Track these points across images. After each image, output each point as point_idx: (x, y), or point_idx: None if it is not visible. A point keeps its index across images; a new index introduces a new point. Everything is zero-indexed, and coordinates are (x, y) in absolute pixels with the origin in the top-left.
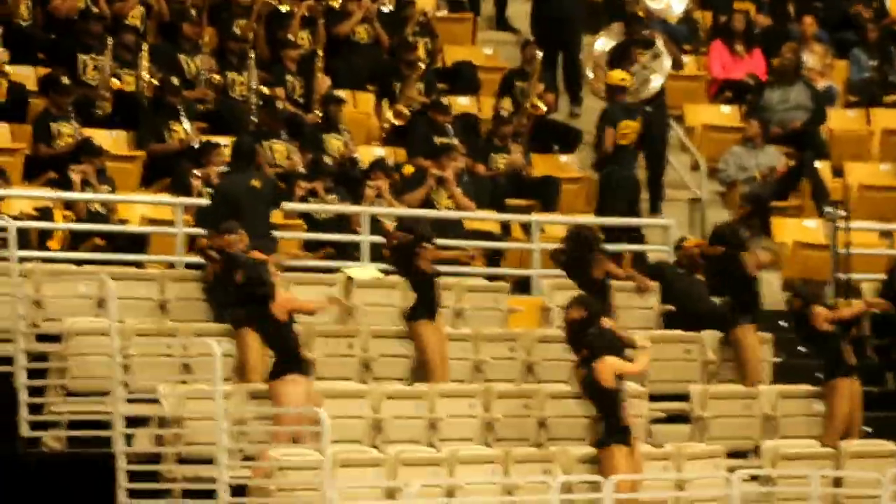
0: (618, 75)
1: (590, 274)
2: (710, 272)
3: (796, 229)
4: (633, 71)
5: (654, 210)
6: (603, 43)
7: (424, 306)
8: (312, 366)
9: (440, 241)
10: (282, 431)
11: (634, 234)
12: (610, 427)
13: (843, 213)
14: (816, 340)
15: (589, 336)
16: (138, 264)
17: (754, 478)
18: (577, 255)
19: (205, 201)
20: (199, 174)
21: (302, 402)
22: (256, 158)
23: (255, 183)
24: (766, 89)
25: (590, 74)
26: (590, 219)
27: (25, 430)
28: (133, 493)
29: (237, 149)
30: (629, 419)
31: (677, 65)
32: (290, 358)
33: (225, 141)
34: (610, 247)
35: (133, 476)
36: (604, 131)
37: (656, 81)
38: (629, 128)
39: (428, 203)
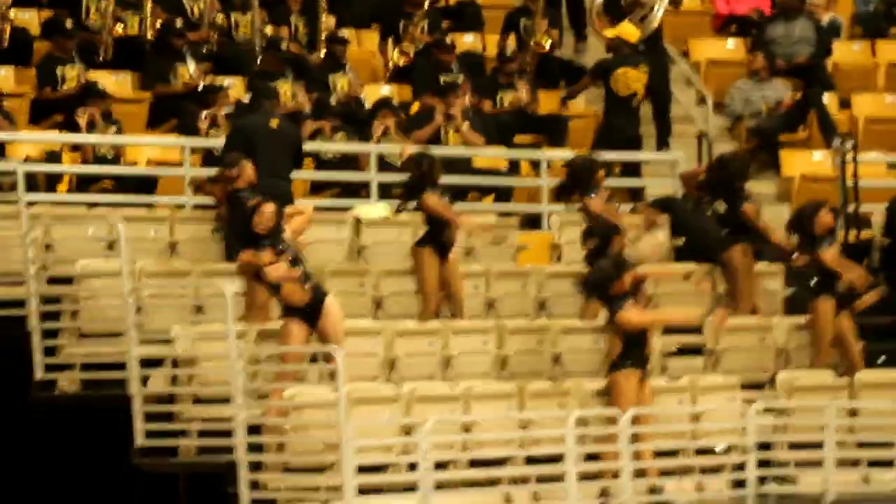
0: (630, 30)
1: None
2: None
3: (804, 162)
4: (634, 17)
5: (661, 144)
6: None
7: (429, 236)
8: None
9: (449, 180)
10: (292, 370)
11: (635, 173)
12: (627, 352)
13: (850, 145)
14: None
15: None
16: (147, 206)
17: (769, 409)
18: (577, 183)
19: (211, 141)
20: (206, 115)
21: (302, 340)
22: (274, 98)
23: (273, 123)
24: (770, 23)
25: (592, 12)
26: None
27: (40, 373)
28: (149, 434)
29: (255, 88)
30: (650, 350)
31: (676, 1)
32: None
33: (230, 82)
34: (613, 182)
35: (149, 417)
36: (583, 78)
37: (657, 15)
38: (628, 76)
39: (436, 141)
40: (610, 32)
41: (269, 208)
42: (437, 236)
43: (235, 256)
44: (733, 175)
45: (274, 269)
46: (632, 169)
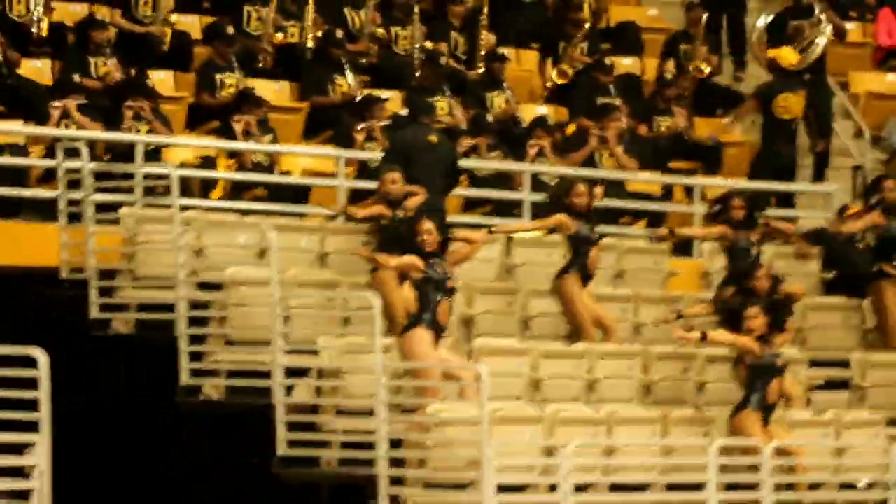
0: (788, 57)
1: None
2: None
3: None
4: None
5: (819, 177)
6: (764, 15)
7: (572, 263)
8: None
9: (603, 203)
10: (438, 387)
11: (789, 204)
12: (746, 397)
13: None
14: None
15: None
16: (300, 215)
17: None
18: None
19: (366, 154)
20: (362, 127)
21: (431, 354)
22: (432, 113)
23: (433, 138)
24: None
25: (753, 39)
26: (753, 184)
27: (185, 378)
28: (291, 444)
29: (411, 102)
30: (773, 397)
31: (841, 33)
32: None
33: (387, 95)
34: (771, 212)
35: (291, 427)
36: (749, 101)
37: (817, 49)
38: (789, 101)
39: (590, 163)
40: (770, 52)
41: (428, 225)
42: (580, 262)
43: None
44: None
45: (398, 259)
46: (786, 199)
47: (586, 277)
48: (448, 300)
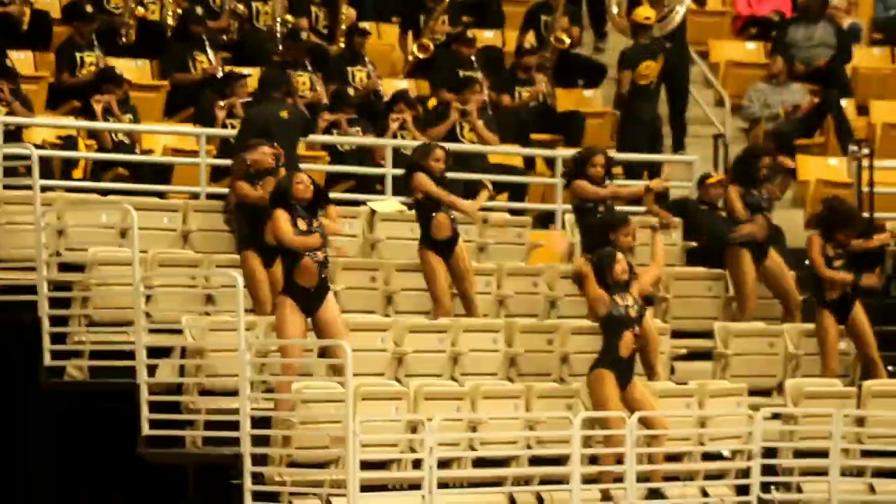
0: (643, 12)
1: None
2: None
3: (820, 167)
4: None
5: (678, 146)
6: None
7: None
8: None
9: (464, 176)
10: (296, 363)
11: (655, 172)
12: (603, 354)
13: (867, 151)
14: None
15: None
16: (161, 195)
17: (776, 416)
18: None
19: (227, 131)
20: (223, 104)
21: (301, 330)
22: (285, 88)
23: (284, 113)
24: (790, 26)
25: (613, 9)
26: (612, 154)
27: (48, 360)
28: (155, 424)
29: (265, 78)
30: (626, 351)
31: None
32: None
33: (249, 71)
34: (632, 183)
35: (155, 407)
36: (621, 74)
37: (677, 17)
38: (649, 68)
39: (451, 136)
40: (624, 21)
41: (304, 177)
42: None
43: (245, 247)
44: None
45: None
46: (652, 168)
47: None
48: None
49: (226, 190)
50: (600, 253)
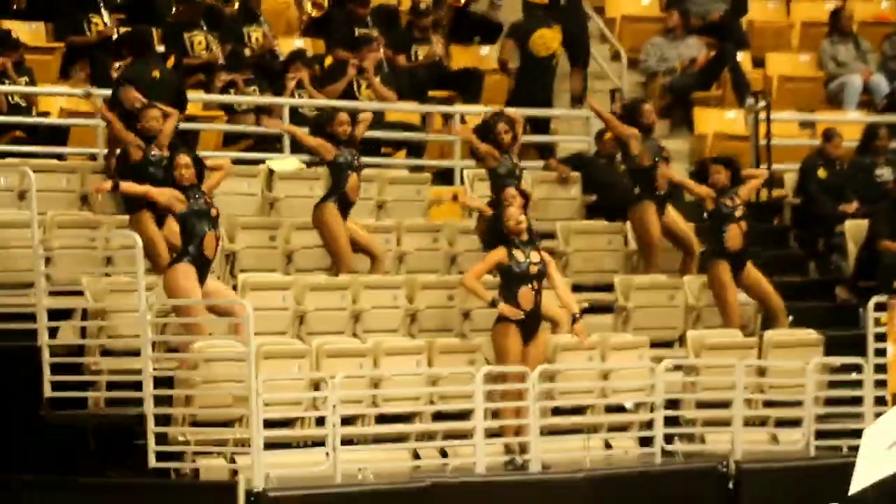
0: None
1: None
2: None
3: (717, 120)
4: None
5: (576, 101)
6: None
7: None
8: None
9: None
10: (202, 324)
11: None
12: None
13: (763, 103)
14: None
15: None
16: (59, 157)
17: (678, 368)
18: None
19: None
20: (119, 66)
21: (197, 293)
22: (148, 47)
23: (155, 73)
24: None
25: None
26: (509, 109)
27: None
28: (57, 386)
29: (133, 37)
30: (526, 305)
31: None
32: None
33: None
34: (529, 138)
35: (57, 369)
36: (503, 42)
37: None
38: (545, 37)
39: (349, 94)
40: None
41: (184, 159)
42: (340, 190)
43: (136, 209)
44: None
45: (159, 192)
46: (542, 126)
47: (347, 205)
48: (214, 232)
49: None
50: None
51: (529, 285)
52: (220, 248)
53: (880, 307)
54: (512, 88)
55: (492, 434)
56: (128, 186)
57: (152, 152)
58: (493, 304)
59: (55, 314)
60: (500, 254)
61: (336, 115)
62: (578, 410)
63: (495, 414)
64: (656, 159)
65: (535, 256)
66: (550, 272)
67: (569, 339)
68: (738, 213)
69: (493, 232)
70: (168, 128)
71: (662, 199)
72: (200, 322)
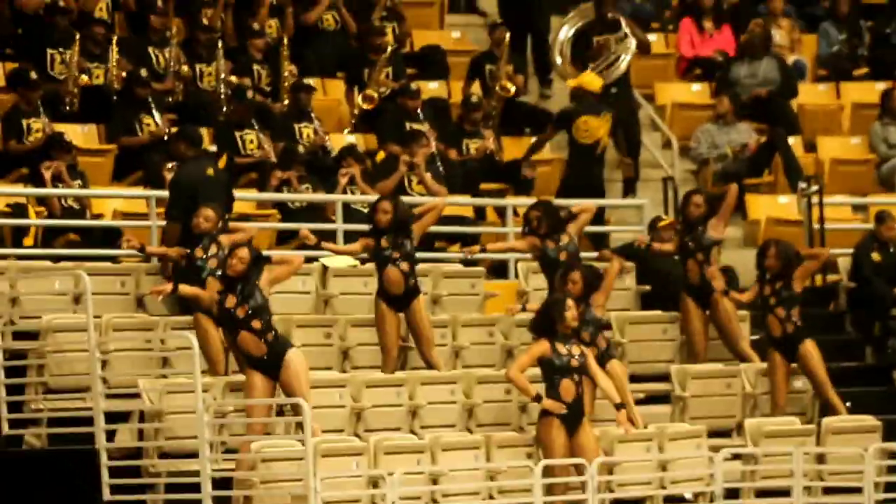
0: (590, 80)
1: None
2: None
3: (770, 206)
4: (600, 63)
5: (629, 190)
6: (566, 30)
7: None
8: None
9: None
10: (259, 423)
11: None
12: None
13: (816, 188)
14: None
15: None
16: (113, 259)
17: (737, 456)
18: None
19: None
20: (171, 166)
21: (265, 392)
22: (198, 146)
23: (209, 171)
24: (733, 64)
25: (557, 60)
26: (559, 201)
27: (6, 429)
28: (116, 489)
29: (188, 136)
30: (568, 397)
31: (645, 47)
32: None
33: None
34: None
35: (115, 472)
36: (547, 128)
37: (622, 65)
38: (590, 124)
39: (400, 190)
40: (573, 82)
41: (244, 252)
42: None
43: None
44: None
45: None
46: (597, 216)
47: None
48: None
49: None
50: (552, 298)
51: (570, 378)
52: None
53: None
54: (562, 177)
55: None
56: (186, 289)
57: (203, 254)
58: (536, 398)
59: (112, 417)
60: (542, 347)
61: (379, 204)
62: (638, 502)
63: None
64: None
65: (575, 350)
66: (590, 364)
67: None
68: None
69: (544, 319)
70: (279, 274)
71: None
72: (257, 422)
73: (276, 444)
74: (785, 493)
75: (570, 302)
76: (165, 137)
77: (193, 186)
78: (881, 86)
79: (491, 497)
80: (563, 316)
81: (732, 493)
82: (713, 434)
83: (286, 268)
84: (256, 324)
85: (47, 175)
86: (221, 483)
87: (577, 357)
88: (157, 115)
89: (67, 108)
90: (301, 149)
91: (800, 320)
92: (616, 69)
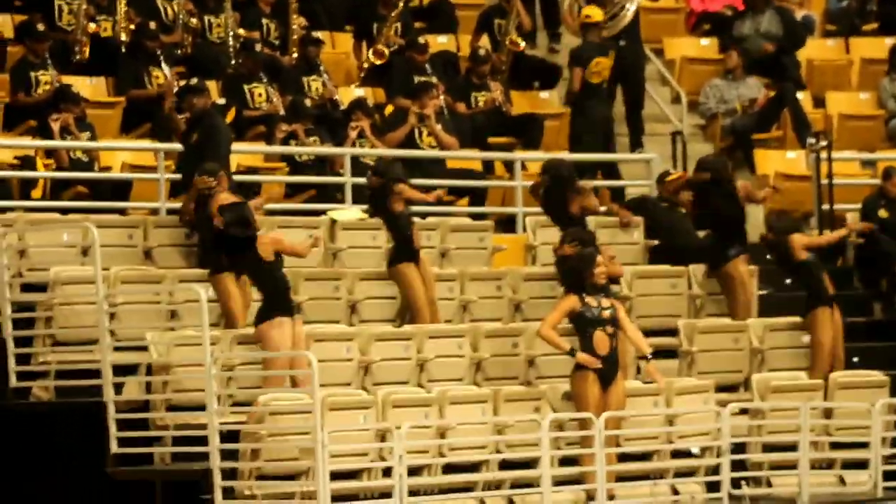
0: (586, 11)
1: (566, 209)
2: (697, 204)
3: (778, 161)
4: (607, 5)
5: (635, 144)
6: None
7: (402, 249)
8: (299, 308)
9: (422, 181)
10: (271, 376)
11: (611, 171)
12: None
13: (824, 143)
14: (797, 271)
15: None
16: (122, 211)
17: (744, 411)
18: (553, 189)
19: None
20: (181, 118)
21: (289, 344)
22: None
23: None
24: (737, 20)
25: (564, 8)
26: (568, 155)
27: (14, 381)
28: (123, 442)
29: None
30: (602, 350)
31: None
32: (277, 299)
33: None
34: (590, 183)
35: (123, 424)
36: (572, 71)
37: (629, 12)
38: (601, 65)
39: (410, 142)
40: (576, 22)
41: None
42: (407, 245)
43: (208, 262)
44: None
45: (300, 245)
46: (610, 170)
47: (414, 255)
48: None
49: None
50: (581, 253)
51: (603, 330)
52: None
53: None
54: (572, 113)
55: (558, 482)
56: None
57: None
58: (571, 352)
59: (120, 370)
60: (571, 301)
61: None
62: (645, 456)
63: (562, 461)
64: None
65: (605, 302)
66: (620, 317)
67: (635, 385)
68: None
69: (574, 274)
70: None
71: None
72: (275, 375)
73: (284, 397)
74: (792, 447)
75: (599, 258)
76: (175, 90)
77: (229, 137)
78: (890, 41)
79: (498, 451)
80: (592, 271)
81: (739, 448)
82: (720, 389)
83: (299, 249)
84: None
85: (55, 127)
86: (229, 436)
87: (607, 309)
88: (165, 67)
89: (77, 57)
90: (309, 102)
91: None
92: (621, 19)
